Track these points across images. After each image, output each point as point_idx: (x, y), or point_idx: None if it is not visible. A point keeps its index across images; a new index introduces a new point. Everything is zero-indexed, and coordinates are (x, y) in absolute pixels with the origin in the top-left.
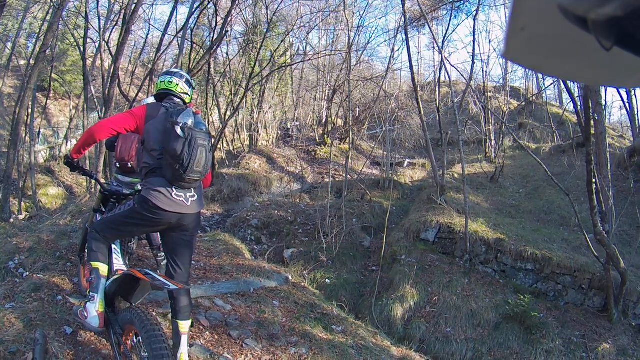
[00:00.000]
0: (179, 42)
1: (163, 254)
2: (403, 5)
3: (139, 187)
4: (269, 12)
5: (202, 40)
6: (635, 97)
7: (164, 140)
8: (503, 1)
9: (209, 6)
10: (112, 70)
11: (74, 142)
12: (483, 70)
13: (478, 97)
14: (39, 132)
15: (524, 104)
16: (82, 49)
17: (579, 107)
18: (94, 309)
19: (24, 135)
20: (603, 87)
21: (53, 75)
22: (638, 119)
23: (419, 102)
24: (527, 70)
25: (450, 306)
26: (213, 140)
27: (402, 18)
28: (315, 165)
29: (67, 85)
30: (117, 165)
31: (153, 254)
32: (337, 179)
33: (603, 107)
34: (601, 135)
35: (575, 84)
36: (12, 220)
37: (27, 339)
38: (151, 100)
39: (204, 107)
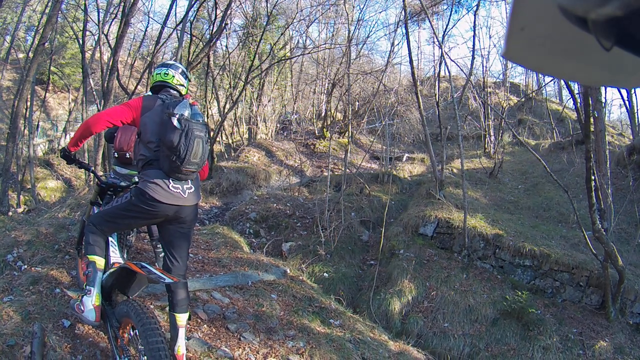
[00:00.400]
0: (179, 34)
1: None
2: None
3: (137, 179)
4: (268, 4)
5: (202, 33)
6: (635, 95)
7: (161, 132)
8: None
9: None
10: (111, 63)
11: (73, 135)
12: (483, 66)
13: (478, 92)
14: (37, 125)
15: (523, 100)
16: (81, 41)
17: (578, 104)
18: (91, 302)
19: (22, 128)
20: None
21: (52, 68)
22: (638, 117)
23: (418, 97)
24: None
25: (448, 301)
26: (211, 132)
27: (403, 12)
28: (314, 158)
29: (66, 78)
30: (116, 155)
31: (152, 245)
32: (336, 173)
33: (603, 104)
34: (600, 132)
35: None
36: (10, 213)
37: (25, 332)
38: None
39: (203, 100)
